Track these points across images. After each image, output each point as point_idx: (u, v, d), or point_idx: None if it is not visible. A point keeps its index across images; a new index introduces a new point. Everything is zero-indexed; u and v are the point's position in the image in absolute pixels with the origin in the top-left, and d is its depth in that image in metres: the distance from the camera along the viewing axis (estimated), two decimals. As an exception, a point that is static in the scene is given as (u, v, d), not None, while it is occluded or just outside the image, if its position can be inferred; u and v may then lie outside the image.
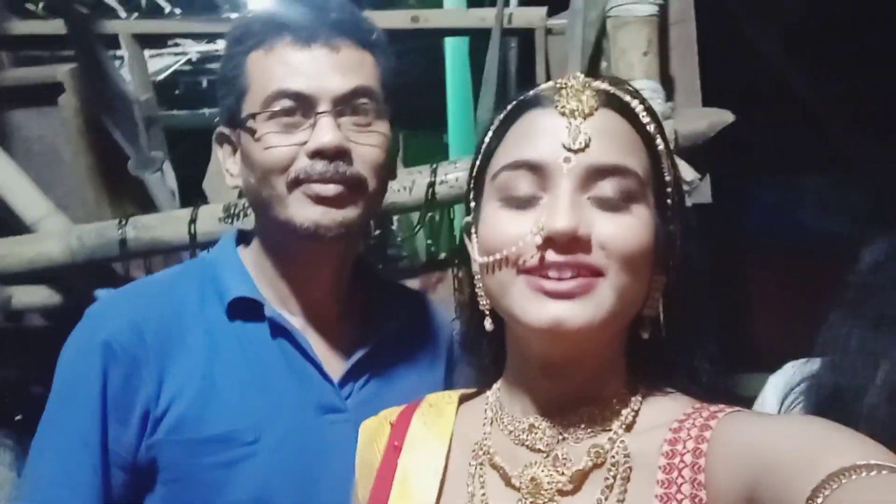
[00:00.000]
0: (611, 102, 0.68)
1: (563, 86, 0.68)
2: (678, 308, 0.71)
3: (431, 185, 1.55)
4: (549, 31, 1.83)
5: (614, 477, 0.65)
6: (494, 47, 1.70)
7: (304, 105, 0.91)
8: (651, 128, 0.69)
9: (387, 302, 1.06)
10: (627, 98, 0.70)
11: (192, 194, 1.88)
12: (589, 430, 0.68)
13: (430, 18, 1.76)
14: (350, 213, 0.92)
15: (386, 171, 0.98)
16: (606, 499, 0.64)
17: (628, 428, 0.68)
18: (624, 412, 0.69)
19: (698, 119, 1.66)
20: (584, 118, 0.65)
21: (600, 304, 0.63)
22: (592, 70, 1.76)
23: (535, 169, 0.66)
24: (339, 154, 0.91)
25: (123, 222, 1.60)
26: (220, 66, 0.99)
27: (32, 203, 1.76)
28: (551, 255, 0.63)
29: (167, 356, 0.92)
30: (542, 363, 0.69)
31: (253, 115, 0.92)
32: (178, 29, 2.16)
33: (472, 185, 0.75)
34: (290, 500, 0.92)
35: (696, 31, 1.74)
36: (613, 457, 0.65)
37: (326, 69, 0.92)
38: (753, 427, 0.62)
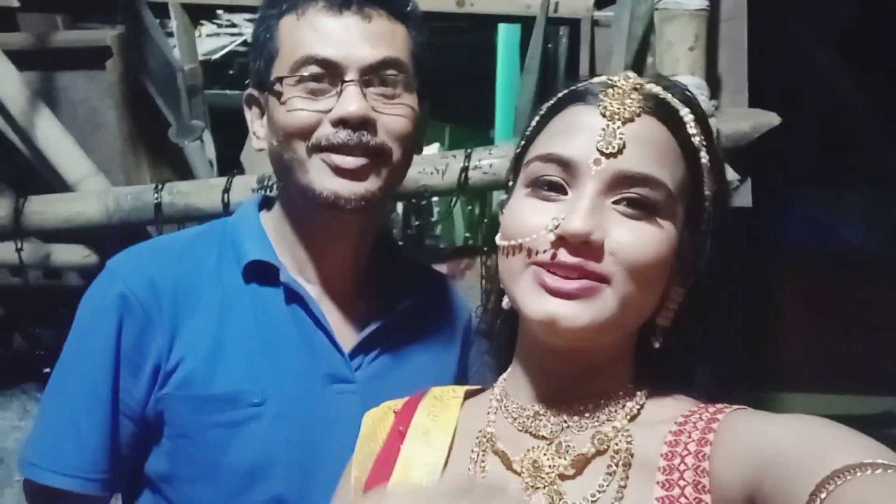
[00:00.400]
0: (657, 109, 0.67)
1: (612, 85, 0.68)
2: (693, 322, 0.71)
3: (465, 169, 1.54)
4: (595, 23, 1.80)
5: (616, 464, 0.65)
6: (538, 35, 1.68)
7: (331, 72, 0.91)
8: (696, 139, 0.68)
9: (406, 279, 1.06)
10: (677, 105, 0.69)
11: (231, 168, 1.90)
12: (594, 419, 0.69)
13: (475, 3, 1.75)
14: (371, 184, 0.92)
15: (410, 144, 0.97)
16: (608, 485, 0.64)
17: (632, 419, 0.69)
18: (629, 405, 0.69)
19: (742, 119, 1.63)
20: (624, 123, 0.65)
21: (601, 311, 0.64)
22: (637, 65, 1.74)
23: (565, 165, 0.66)
24: (363, 124, 0.90)
25: (159, 187, 1.63)
26: (253, 30, 1.00)
27: (74, 163, 1.79)
28: (562, 254, 0.63)
29: (181, 313, 0.93)
30: (546, 352, 0.70)
31: (280, 79, 0.92)
32: (226, 0, 2.18)
33: (512, 167, 0.75)
34: (292, 465, 0.93)
35: (747, 29, 1.71)
36: (616, 444, 0.66)
37: (356, 38, 0.92)
38: (759, 423, 0.62)
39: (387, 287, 1.05)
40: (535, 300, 0.64)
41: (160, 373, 0.92)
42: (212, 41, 3.46)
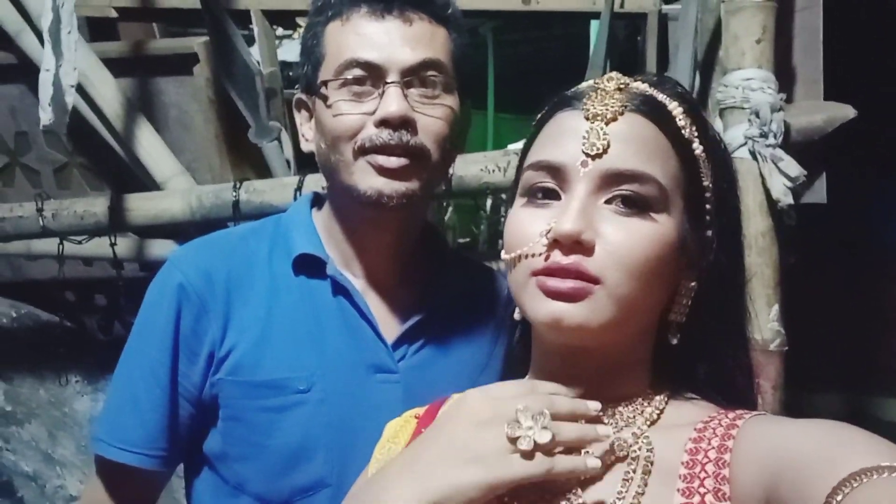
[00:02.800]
0: (642, 106, 0.67)
1: (596, 88, 0.69)
2: (709, 315, 0.70)
3: (527, 166, 1.56)
4: (663, 17, 1.78)
5: (635, 470, 0.65)
6: (603, 31, 1.68)
7: (374, 75, 0.94)
8: (686, 131, 0.68)
9: (451, 273, 1.08)
10: (664, 100, 0.69)
11: (307, 166, 1.99)
12: (612, 424, 0.68)
13: (540, 1, 1.75)
14: (412, 184, 0.95)
15: (449, 144, 0.99)
16: (626, 491, 0.64)
17: (652, 424, 0.69)
18: (648, 410, 0.70)
19: (815, 112, 1.58)
20: (607, 123, 0.66)
21: (595, 310, 0.64)
22: (708, 58, 1.71)
23: (555, 170, 0.67)
24: (403, 123, 0.93)
25: (238, 185, 1.72)
26: (302, 36, 1.04)
27: (163, 163, 1.92)
28: (555, 256, 0.64)
29: (233, 302, 0.98)
30: (559, 356, 0.71)
31: (325, 83, 0.96)
32: (304, 6, 2.26)
33: (514, 180, 0.76)
34: (333, 450, 0.96)
35: (822, 19, 1.65)
36: (636, 451, 0.66)
37: (398, 41, 0.94)
38: (778, 428, 0.61)
39: (431, 280, 1.07)
40: (538, 304, 0.65)
41: (214, 358, 0.97)
42: (293, 45, 3.59)
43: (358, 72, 0.94)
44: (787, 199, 1.43)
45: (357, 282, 1.03)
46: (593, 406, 0.66)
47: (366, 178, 0.94)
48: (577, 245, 0.63)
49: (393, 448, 0.81)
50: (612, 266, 0.63)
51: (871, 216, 2.08)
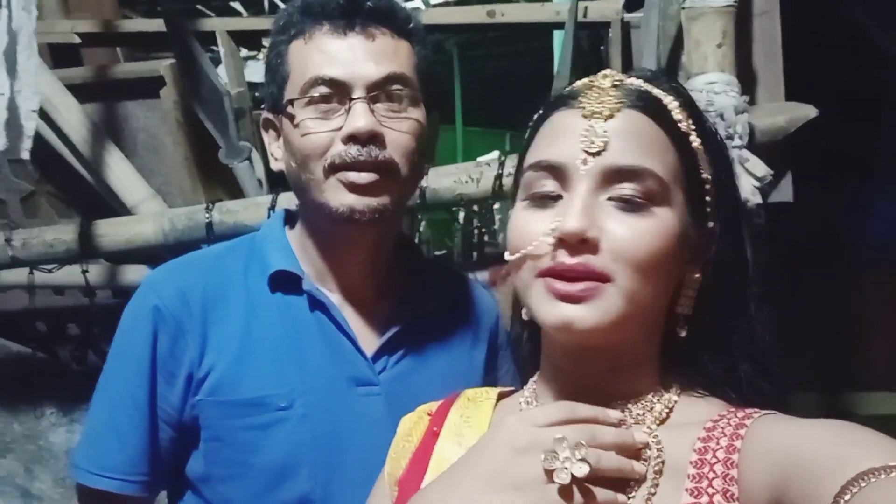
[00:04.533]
0: (637, 101, 0.68)
1: (591, 86, 0.69)
2: (715, 307, 0.71)
3: (499, 177, 1.57)
4: (626, 25, 1.81)
5: (647, 470, 0.65)
6: (568, 42, 1.70)
7: (339, 91, 0.95)
8: (683, 125, 0.69)
9: (428, 283, 1.09)
10: (660, 95, 0.69)
11: (279, 184, 1.98)
12: (622, 422, 0.68)
13: (505, 13, 1.78)
14: (383, 199, 0.96)
15: (419, 157, 1.00)
16: (637, 490, 0.64)
17: (662, 423, 0.69)
18: (657, 407, 0.70)
19: (777, 113, 1.62)
20: (605, 120, 0.66)
21: (607, 309, 0.64)
22: (672, 64, 1.74)
23: (555, 170, 0.67)
24: (371, 138, 0.94)
25: (210, 207, 1.70)
26: (266, 56, 1.04)
27: (133, 188, 1.90)
28: (562, 256, 0.64)
29: (210, 323, 0.98)
30: (569, 354, 0.71)
31: (291, 101, 0.97)
32: (269, 26, 2.26)
33: (514, 182, 0.76)
34: (317, 466, 0.96)
35: (780, 23, 1.69)
36: (646, 451, 0.66)
37: (361, 56, 0.95)
38: (787, 427, 0.62)
39: (408, 291, 1.07)
40: (547, 308, 0.65)
41: (193, 380, 0.97)
42: (259, 66, 3.59)
43: (323, 89, 0.95)
44: (755, 198, 1.46)
45: (333, 296, 1.03)
46: (640, 439, 0.66)
47: (337, 196, 0.95)
48: (583, 243, 0.64)
49: (406, 446, 0.81)
50: (620, 262, 0.64)
51: (838, 213, 2.12)
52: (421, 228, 3.04)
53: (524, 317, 0.75)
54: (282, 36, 1.00)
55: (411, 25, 1.00)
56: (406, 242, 1.14)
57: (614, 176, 0.65)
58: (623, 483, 0.64)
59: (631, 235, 0.64)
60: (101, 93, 2.06)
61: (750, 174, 1.44)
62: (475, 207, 2.10)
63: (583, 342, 0.67)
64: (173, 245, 1.75)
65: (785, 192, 1.67)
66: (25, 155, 1.58)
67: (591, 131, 0.66)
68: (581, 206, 0.64)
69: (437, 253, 2.99)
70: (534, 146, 0.71)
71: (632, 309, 0.65)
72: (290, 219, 1.10)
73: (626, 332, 0.67)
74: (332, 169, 0.95)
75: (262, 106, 1.09)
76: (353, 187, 0.94)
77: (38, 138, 2.01)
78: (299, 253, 1.05)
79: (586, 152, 0.65)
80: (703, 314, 0.71)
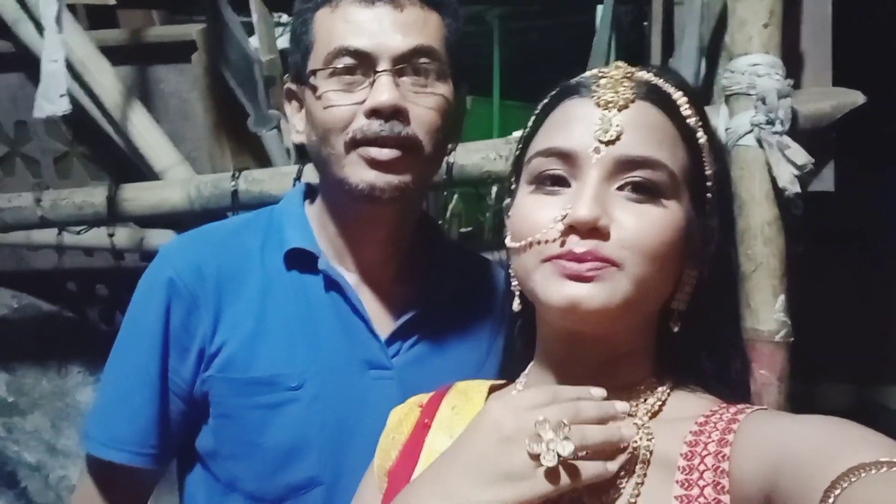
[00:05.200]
0: (650, 94, 0.68)
1: (603, 76, 0.69)
2: (710, 305, 0.71)
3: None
4: (669, 2, 1.74)
5: (635, 462, 0.65)
6: (607, 17, 1.65)
7: (364, 63, 0.92)
8: (692, 121, 0.69)
9: (448, 266, 1.06)
10: (670, 90, 0.69)
11: (307, 155, 1.97)
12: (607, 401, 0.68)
13: (543, -15, 1.72)
14: (405, 177, 0.93)
15: (444, 135, 0.97)
16: (627, 482, 0.64)
17: (653, 416, 0.69)
18: (650, 400, 0.70)
19: (823, 99, 1.54)
20: (619, 110, 0.66)
21: (615, 291, 0.64)
22: (714, 43, 1.68)
23: (566, 157, 0.67)
24: (395, 113, 0.91)
25: (236, 175, 1.70)
26: (291, 24, 1.01)
27: (162, 153, 1.90)
28: (572, 242, 0.64)
29: (224, 298, 0.96)
30: (565, 342, 0.70)
31: (314, 72, 0.94)
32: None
33: (513, 169, 0.77)
34: (326, 448, 0.95)
35: (831, 4, 1.61)
36: (637, 442, 0.65)
37: (388, 27, 0.91)
38: (778, 423, 0.61)
39: (428, 274, 1.05)
40: (554, 288, 0.65)
41: (205, 355, 0.96)
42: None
43: (348, 60, 0.92)
44: (793, 187, 1.40)
45: (350, 276, 1.01)
46: (621, 407, 0.66)
47: (357, 172, 0.92)
48: (594, 231, 0.63)
49: (396, 438, 0.81)
50: (629, 250, 0.64)
51: (880, 204, 2.05)
52: (452, 203, 3.03)
53: (515, 307, 0.75)
54: (308, 3, 0.97)
55: None
56: (429, 223, 1.11)
57: (626, 166, 0.66)
58: (613, 475, 0.64)
59: (641, 225, 0.64)
60: (133, 56, 2.06)
61: (790, 162, 1.38)
62: (507, 183, 2.05)
63: (586, 327, 0.67)
64: (199, 212, 1.75)
65: (826, 181, 1.61)
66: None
67: (605, 120, 0.66)
68: (593, 194, 0.64)
69: (464, 230, 2.95)
70: (542, 133, 0.71)
71: (638, 295, 0.65)
72: (310, 193, 1.08)
73: (629, 319, 0.67)
74: (354, 144, 0.92)
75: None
76: (375, 163, 0.91)
77: (72, 99, 2.03)
78: (317, 229, 1.02)
79: (599, 141, 0.66)
80: (698, 309, 0.71)
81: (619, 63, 0.71)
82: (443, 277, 1.05)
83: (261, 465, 0.95)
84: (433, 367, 1.00)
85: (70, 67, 1.86)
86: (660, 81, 0.70)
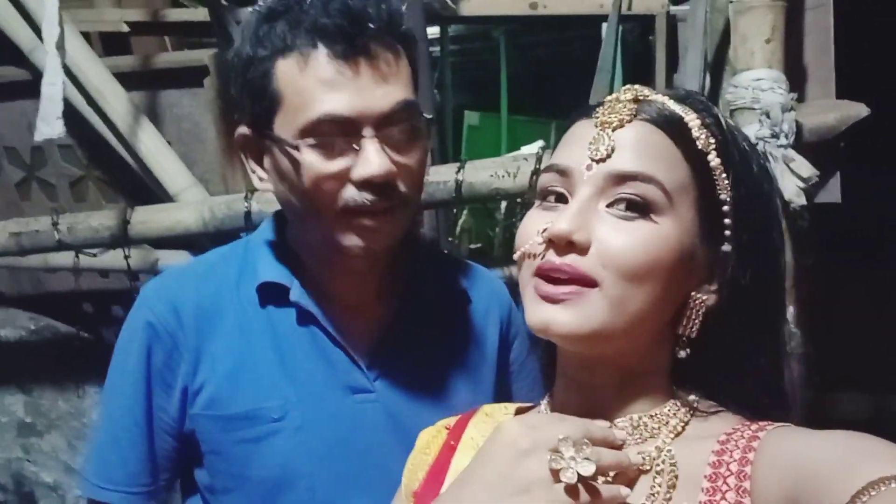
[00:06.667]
0: (650, 114, 0.68)
1: (612, 98, 0.70)
2: (730, 333, 0.69)
3: (536, 171, 1.55)
4: (672, 18, 1.76)
5: (660, 484, 0.64)
6: (611, 34, 1.67)
7: (346, 128, 0.87)
8: (701, 142, 0.67)
9: (426, 276, 1.05)
10: (680, 112, 0.68)
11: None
12: (637, 436, 0.68)
13: (548, 5, 1.75)
14: (395, 232, 0.93)
15: (423, 175, 0.96)
16: (652, 503, 0.64)
17: (676, 436, 0.68)
18: (672, 422, 0.69)
19: (827, 111, 1.56)
20: (614, 129, 0.67)
21: (590, 315, 0.64)
22: (718, 59, 1.69)
23: (563, 174, 0.68)
24: (386, 181, 0.88)
25: (249, 196, 1.72)
26: (242, 65, 0.91)
27: (177, 175, 1.93)
28: (550, 255, 0.65)
29: (203, 336, 0.97)
30: (576, 364, 0.71)
31: (296, 146, 0.88)
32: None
33: (531, 186, 0.78)
34: (315, 476, 0.95)
35: (833, 18, 1.63)
36: (660, 464, 0.65)
37: (367, 85, 0.86)
38: (799, 438, 0.61)
39: (407, 290, 1.04)
40: (531, 308, 0.66)
41: (188, 393, 0.97)
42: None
43: (330, 128, 0.87)
44: (799, 199, 1.41)
45: (326, 304, 0.99)
46: (621, 435, 0.67)
47: (350, 238, 0.91)
48: (571, 246, 0.64)
49: (424, 459, 0.81)
50: (608, 268, 0.64)
51: (887, 214, 2.05)
52: (462, 218, 3.04)
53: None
54: (262, 49, 0.88)
55: (403, 28, 0.92)
56: (408, 237, 1.06)
57: (616, 181, 0.65)
58: (635, 497, 0.64)
59: (622, 242, 0.64)
60: (147, 81, 2.10)
61: (795, 175, 1.40)
62: (519, 200, 2.07)
63: (575, 347, 0.67)
64: (213, 233, 1.77)
65: (833, 192, 1.62)
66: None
67: (599, 139, 0.67)
68: (576, 209, 0.65)
69: (474, 246, 2.97)
70: (554, 152, 0.73)
71: (618, 318, 0.64)
72: (282, 219, 1.05)
73: (623, 342, 0.66)
74: (346, 212, 0.89)
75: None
76: (368, 230, 0.90)
77: (87, 124, 2.07)
78: (292, 258, 1.00)
79: (591, 159, 0.67)
80: (719, 337, 0.69)
81: (634, 87, 0.71)
82: (422, 290, 1.03)
83: (251, 497, 0.96)
84: (418, 383, 1.00)
85: (84, 93, 1.91)
86: (672, 103, 0.69)
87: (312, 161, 0.87)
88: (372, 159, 0.86)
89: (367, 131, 0.87)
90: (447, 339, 1.05)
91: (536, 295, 0.66)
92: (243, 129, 0.95)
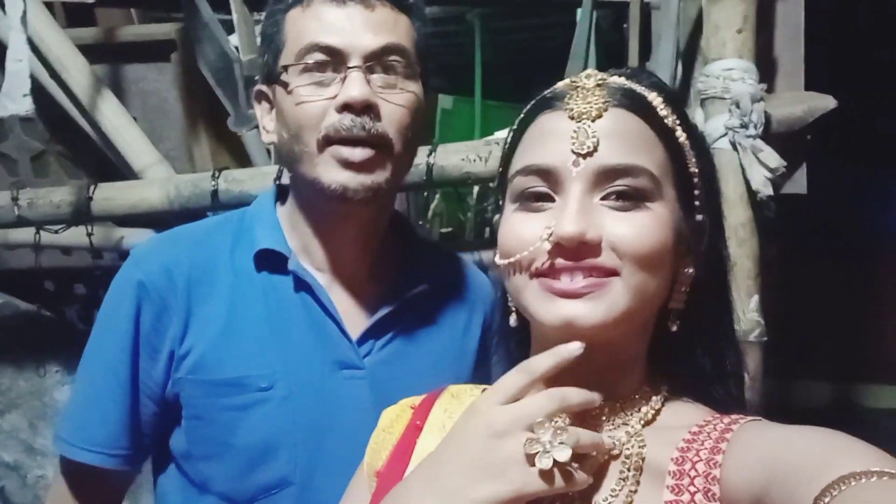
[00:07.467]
0: (623, 100, 0.68)
1: (575, 87, 0.69)
2: (706, 301, 0.71)
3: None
4: (646, 6, 1.76)
5: (628, 469, 0.65)
6: (584, 21, 1.66)
7: (335, 60, 0.93)
8: (669, 120, 0.69)
9: (420, 264, 1.07)
10: (644, 92, 0.69)
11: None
12: (608, 423, 0.69)
13: (522, -12, 1.73)
14: (377, 177, 0.94)
15: (414, 134, 0.98)
16: (621, 490, 0.64)
17: (647, 424, 0.69)
18: (644, 409, 0.70)
19: (796, 103, 1.57)
20: (593, 120, 0.66)
21: (614, 303, 0.64)
22: (691, 48, 1.70)
23: (546, 174, 0.66)
24: (366, 108, 0.92)
25: (216, 174, 1.69)
26: (262, 25, 1.02)
27: (141, 152, 1.89)
28: (561, 261, 0.64)
29: (194, 301, 0.97)
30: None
31: (286, 68, 0.95)
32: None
33: (497, 185, 0.76)
34: (297, 448, 0.95)
35: (804, 10, 1.64)
36: (629, 449, 0.66)
37: (359, 26, 0.93)
38: (772, 432, 0.62)
39: (400, 272, 1.06)
40: (547, 307, 0.64)
41: (175, 356, 0.96)
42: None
43: (319, 56, 0.93)
44: (766, 190, 1.42)
45: (321, 276, 1.01)
46: (597, 397, 0.66)
47: (330, 172, 0.93)
48: (583, 246, 0.63)
49: (388, 438, 0.80)
50: (624, 259, 0.64)
51: (851, 206, 2.08)
52: (434, 203, 3.03)
53: (512, 323, 0.74)
54: (279, 4, 0.98)
55: (411, 0, 0.98)
56: (401, 222, 1.12)
57: (607, 176, 0.65)
58: (605, 483, 0.65)
59: (632, 232, 0.64)
60: (112, 54, 2.06)
61: (762, 165, 1.41)
62: (491, 185, 2.06)
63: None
64: (178, 211, 1.74)
65: (799, 183, 1.64)
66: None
67: (580, 132, 0.65)
68: (576, 208, 0.64)
69: (445, 230, 2.96)
70: (521, 150, 0.70)
71: (637, 304, 0.65)
72: (282, 194, 1.08)
73: (627, 328, 0.67)
74: (326, 142, 0.92)
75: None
76: (347, 164, 0.92)
77: (49, 98, 2.01)
78: (288, 230, 1.03)
79: (577, 154, 0.65)
80: (695, 308, 0.71)
81: (591, 71, 0.71)
82: (415, 275, 1.05)
83: (232, 465, 0.95)
84: (406, 365, 1.01)
85: (47, 65, 1.86)
86: (633, 84, 0.69)
87: (301, 90, 0.93)
88: (353, 85, 0.91)
89: (353, 62, 0.92)
90: (436, 327, 1.06)
91: (548, 293, 0.64)
92: (258, 85, 1.04)
